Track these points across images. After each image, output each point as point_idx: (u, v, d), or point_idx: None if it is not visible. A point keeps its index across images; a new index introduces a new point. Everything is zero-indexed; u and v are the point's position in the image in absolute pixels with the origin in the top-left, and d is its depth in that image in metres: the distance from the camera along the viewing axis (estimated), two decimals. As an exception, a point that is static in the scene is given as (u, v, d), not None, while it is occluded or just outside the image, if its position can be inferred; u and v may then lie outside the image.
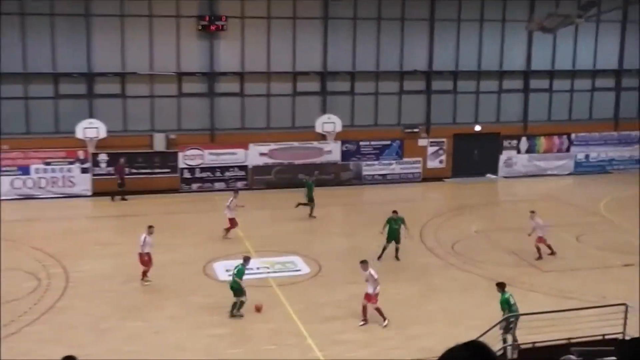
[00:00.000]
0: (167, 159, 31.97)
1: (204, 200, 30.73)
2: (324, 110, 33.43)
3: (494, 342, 15.06)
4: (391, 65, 34.11)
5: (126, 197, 30.61)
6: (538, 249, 23.77)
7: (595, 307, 17.24)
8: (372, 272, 18.77)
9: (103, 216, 29.02)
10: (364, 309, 18.66)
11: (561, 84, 36.71)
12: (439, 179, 34.71)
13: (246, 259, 19.58)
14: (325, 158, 33.63)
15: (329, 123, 33.04)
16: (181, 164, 32.03)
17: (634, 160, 37.70)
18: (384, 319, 18.51)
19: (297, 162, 33.26)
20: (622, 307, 16.17)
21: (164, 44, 31.47)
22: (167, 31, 31.39)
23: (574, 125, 36.98)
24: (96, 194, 31.06)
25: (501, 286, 17.35)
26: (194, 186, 32.15)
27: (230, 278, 19.41)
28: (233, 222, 25.43)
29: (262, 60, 32.63)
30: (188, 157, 32.10)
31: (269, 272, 22.32)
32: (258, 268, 22.75)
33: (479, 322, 17.92)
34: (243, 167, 32.75)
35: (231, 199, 25.67)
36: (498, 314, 16.96)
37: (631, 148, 37.73)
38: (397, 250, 23.68)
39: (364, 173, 34.18)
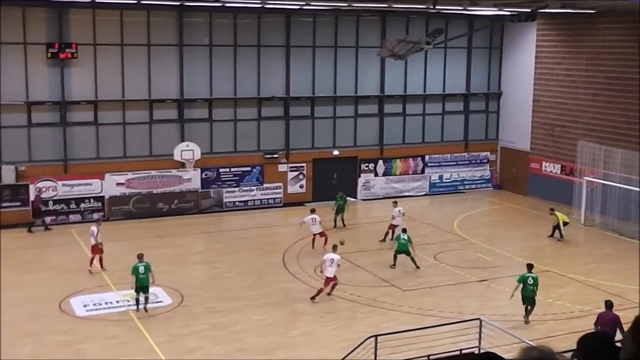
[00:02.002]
0: (18, 191, 30.51)
1: (58, 234, 29.55)
2: (182, 138, 33.00)
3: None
4: (249, 92, 34.19)
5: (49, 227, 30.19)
6: (386, 233, 28.09)
7: (452, 323, 17.86)
8: (329, 257, 22.00)
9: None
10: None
11: (414, 108, 37.99)
12: (300, 203, 34.98)
13: (140, 256, 21.49)
14: (185, 186, 33.16)
15: (188, 150, 32.62)
16: (33, 197, 30.63)
17: (483, 180, 39.50)
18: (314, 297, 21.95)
19: (155, 191, 32.61)
20: (477, 322, 16.84)
21: (11, 72, 30.10)
22: (14, 59, 30.06)
23: (427, 147, 38.32)
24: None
25: (528, 267, 21.08)
26: (48, 219, 30.80)
27: (143, 276, 21.06)
28: (323, 235, 27.20)
29: (117, 88, 31.87)
30: (40, 189, 30.78)
31: (129, 305, 21.68)
32: (118, 302, 22.09)
33: (342, 344, 18.18)
34: (99, 198, 31.73)
35: (311, 216, 27.32)
36: (360, 335, 17.20)
37: (481, 168, 39.51)
38: (413, 260, 25.28)
39: (225, 200, 33.96)
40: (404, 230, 26.00)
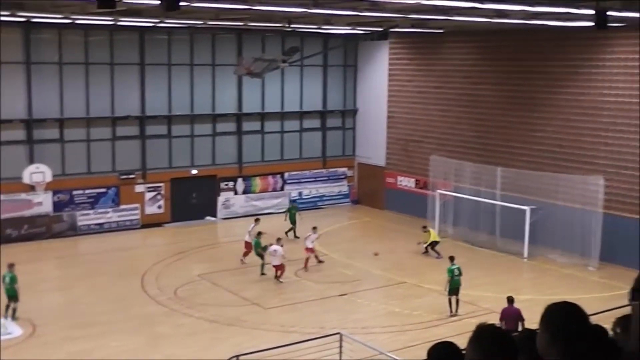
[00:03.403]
0: None
1: None
2: (31, 160, 31.53)
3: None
4: (103, 111, 33.19)
5: None
6: (307, 259, 27.70)
7: (314, 338, 17.92)
8: (272, 249, 25.62)
9: None
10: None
11: (272, 126, 38.16)
12: (158, 224, 34.27)
13: (10, 265, 22.05)
14: (36, 210, 31.67)
15: (38, 173, 31.19)
16: None
17: (342, 195, 40.14)
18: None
19: (3, 216, 30.93)
20: (337, 336, 17.00)
21: None
22: None
23: (286, 164, 38.55)
24: None
25: (450, 259, 23.32)
26: None
27: (8, 287, 21.69)
28: (249, 246, 27.85)
29: (-41, 108, 30.10)
30: None
31: (-24, 339, 20.39)
32: (-38, 335, 20.73)
33: (204, 366, 17.87)
34: (-59, 225, 29.81)
35: (253, 225, 28.33)
36: (223, 356, 16.98)
37: (339, 184, 40.15)
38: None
39: (79, 223, 32.70)
40: (259, 234, 27.56)
